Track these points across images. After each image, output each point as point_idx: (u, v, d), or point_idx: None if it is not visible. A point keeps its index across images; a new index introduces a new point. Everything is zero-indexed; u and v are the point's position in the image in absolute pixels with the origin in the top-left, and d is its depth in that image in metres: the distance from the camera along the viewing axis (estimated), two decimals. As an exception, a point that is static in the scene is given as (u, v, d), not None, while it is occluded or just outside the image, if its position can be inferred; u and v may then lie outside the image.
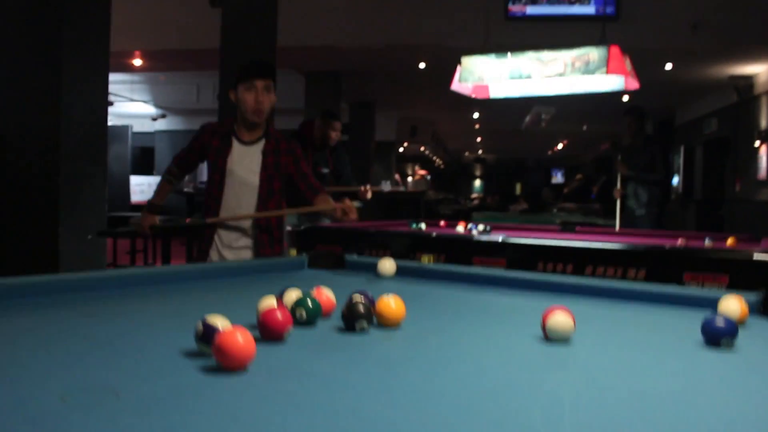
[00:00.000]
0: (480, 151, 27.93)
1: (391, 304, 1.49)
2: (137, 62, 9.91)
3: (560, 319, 1.38)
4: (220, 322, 1.20)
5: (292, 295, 1.55)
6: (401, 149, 19.61)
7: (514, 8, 7.82)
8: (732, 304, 1.59)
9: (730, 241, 4.32)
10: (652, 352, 1.38)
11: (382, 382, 1.10)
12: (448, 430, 0.88)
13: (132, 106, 14.63)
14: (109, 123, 15.40)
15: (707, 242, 4.20)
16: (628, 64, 4.75)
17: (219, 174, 3.04)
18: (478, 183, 29.91)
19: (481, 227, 4.98)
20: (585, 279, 2.26)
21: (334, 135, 5.27)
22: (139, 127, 15.97)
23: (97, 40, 4.43)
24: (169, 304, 1.87)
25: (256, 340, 1.15)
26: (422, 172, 22.18)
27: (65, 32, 4.15)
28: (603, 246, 3.72)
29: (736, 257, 3.31)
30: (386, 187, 6.30)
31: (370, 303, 1.51)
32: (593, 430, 0.90)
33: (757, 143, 9.48)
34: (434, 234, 4.40)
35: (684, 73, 9.65)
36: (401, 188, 12.16)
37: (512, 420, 0.93)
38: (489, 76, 5.06)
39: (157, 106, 14.84)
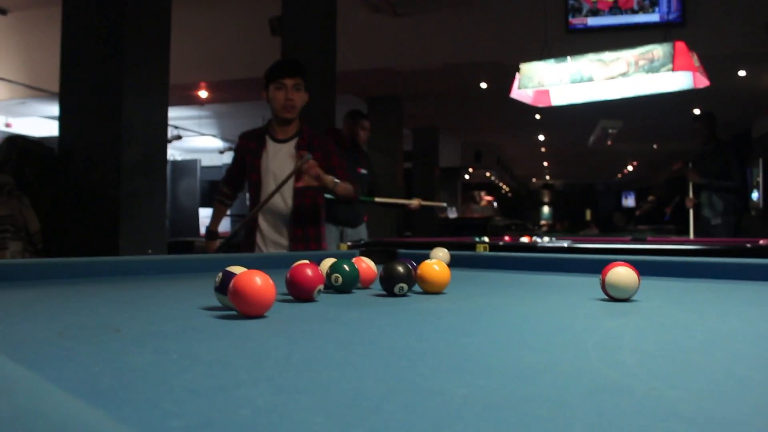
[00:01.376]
0: (547, 177, 27.46)
1: (434, 266, 1.37)
2: (203, 94, 10.14)
3: (621, 271, 1.23)
4: (240, 270, 1.10)
5: (329, 260, 1.45)
6: (467, 176, 19.44)
7: (575, 21, 7.67)
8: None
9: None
10: (729, 307, 1.22)
11: (420, 333, 0.98)
12: (486, 368, 0.75)
13: (200, 140, 15.00)
14: (179, 158, 15.83)
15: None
16: (695, 60, 4.52)
17: (256, 173, 3.06)
18: (546, 210, 29.32)
19: (546, 239, 4.79)
20: (655, 256, 2.05)
21: (364, 134, 4.91)
22: (207, 161, 16.35)
23: (157, 58, 4.51)
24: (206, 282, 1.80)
25: (284, 298, 1.05)
26: (488, 198, 21.90)
27: (126, 49, 4.23)
28: (676, 247, 3.48)
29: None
30: (452, 213, 6.12)
31: (412, 268, 1.39)
32: (654, 359, 0.76)
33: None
34: (500, 243, 4.23)
35: (759, 80, 9.22)
36: (444, 205, 11.88)
37: (564, 352, 0.80)
38: (549, 81, 4.90)
39: (224, 139, 15.16)
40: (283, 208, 3.04)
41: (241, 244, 3.20)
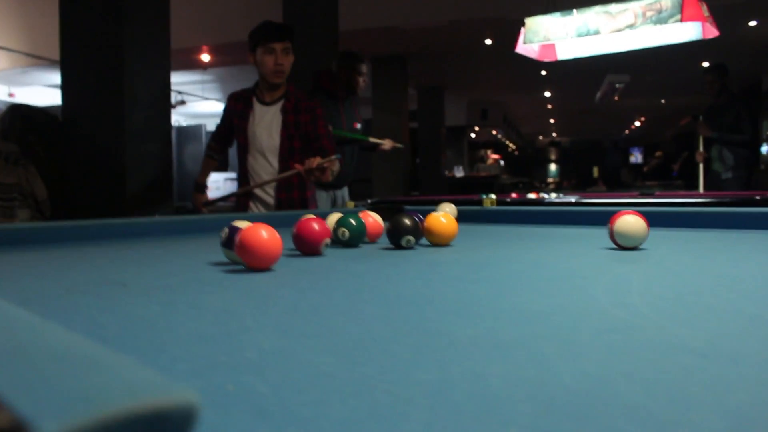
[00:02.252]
0: (554, 135, 27.26)
1: (441, 219, 1.36)
2: (205, 57, 10.04)
3: (630, 219, 1.22)
4: (245, 225, 1.10)
5: (336, 215, 1.44)
6: (473, 134, 19.32)
7: (582, -27, 7.52)
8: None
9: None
10: (739, 254, 1.21)
11: (428, 281, 0.97)
12: (494, 311, 0.75)
13: (204, 105, 14.92)
14: (183, 123, 15.74)
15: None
16: (705, 9, 4.43)
17: (243, 136, 3.05)
18: (553, 167, 29.17)
19: (554, 195, 4.77)
20: (663, 207, 2.04)
21: (362, 81, 4.41)
22: (212, 126, 16.26)
23: (157, 22, 4.46)
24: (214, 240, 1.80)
25: (291, 253, 1.05)
26: (495, 156, 21.78)
27: (126, 14, 4.19)
28: (686, 200, 3.46)
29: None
30: (459, 172, 6.03)
31: (419, 221, 1.38)
32: (663, 301, 0.75)
33: None
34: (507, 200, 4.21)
35: (769, 31, 9.07)
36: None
37: (572, 296, 0.80)
38: (555, 35, 4.83)
39: (228, 103, 15.08)
40: (270, 173, 3.04)
41: (234, 207, 3.22)
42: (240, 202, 3.12)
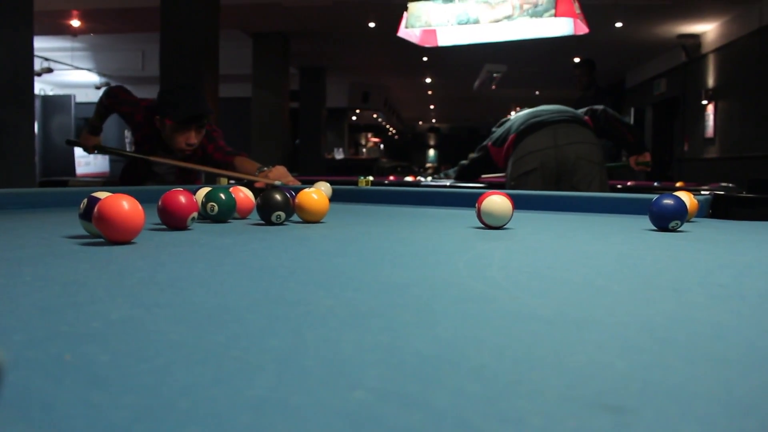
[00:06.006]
0: (434, 120, 27.79)
1: (312, 195, 1.35)
2: (75, 23, 9.46)
3: (496, 199, 1.26)
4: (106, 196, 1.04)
5: (205, 189, 1.40)
6: (354, 117, 19.35)
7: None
8: (682, 195, 1.49)
9: (679, 184, 4.32)
10: (596, 234, 1.28)
11: (294, 255, 0.96)
12: (356, 283, 0.75)
13: (74, 74, 14.08)
14: (51, 92, 14.80)
15: (656, 184, 4.20)
16: (577, 7, 4.65)
17: (148, 145, 2.82)
18: (432, 152, 29.74)
19: (430, 178, 4.87)
20: (531, 191, 2.12)
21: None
22: (82, 96, 15.39)
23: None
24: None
25: (157, 227, 1.00)
26: (375, 140, 21.95)
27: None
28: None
29: (684, 189, 3.26)
30: (339, 154, 6.03)
31: (291, 197, 1.37)
32: (520, 274, 0.78)
33: (704, 102, 9.54)
34: (385, 182, 4.26)
35: (634, 32, 9.62)
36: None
37: (434, 269, 0.81)
38: (436, 21, 4.91)
39: (100, 73, 14.32)
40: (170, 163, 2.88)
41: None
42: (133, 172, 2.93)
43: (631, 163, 3.70)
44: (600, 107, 3.54)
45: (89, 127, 3.06)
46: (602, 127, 3.41)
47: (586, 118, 3.39)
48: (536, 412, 0.33)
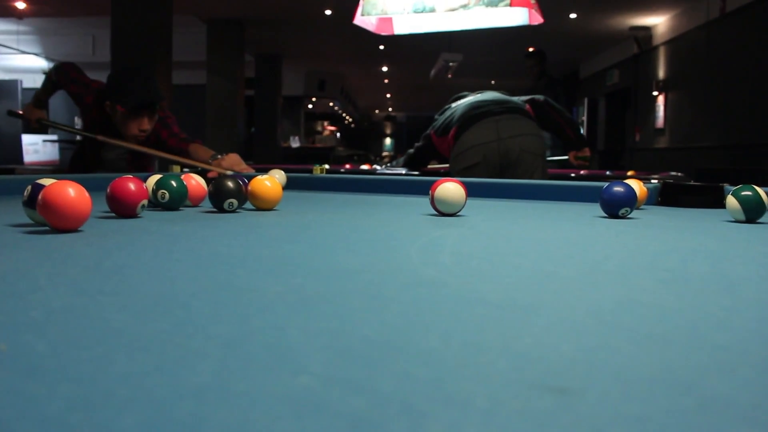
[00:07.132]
0: (390, 109, 27.81)
1: (265, 183, 1.34)
2: (20, 5, 9.16)
3: (449, 186, 1.26)
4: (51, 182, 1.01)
5: (156, 177, 1.37)
6: (310, 105, 19.23)
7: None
8: (632, 183, 1.52)
9: (630, 173, 4.40)
10: (548, 221, 1.29)
11: (244, 242, 0.95)
12: (306, 269, 0.74)
13: (20, 59, 13.68)
14: (-5, 77, 14.31)
15: (608, 173, 4.25)
16: (531, -4, 4.68)
17: (99, 129, 2.74)
18: (388, 141, 29.77)
19: (385, 167, 4.87)
20: (485, 179, 2.14)
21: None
22: (30, 82, 14.96)
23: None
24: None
25: (105, 215, 0.98)
26: (331, 128, 21.86)
27: None
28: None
29: (634, 178, 3.32)
30: (295, 143, 5.99)
31: (243, 184, 1.35)
32: (471, 260, 0.78)
33: (655, 93, 9.74)
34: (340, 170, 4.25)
35: (588, 23, 9.75)
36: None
37: (386, 255, 0.81)
38: (392, 9, 4.90)
39: (47, 58, 13.92)
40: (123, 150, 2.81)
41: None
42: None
43: (570, 158, 3.74)
44: (541, 97, 3.55)
45: (34, 100, 2.96)
46: (542, 118, 3.42)
47: (528, 107, 3.39)
48: (481, 394, 0.33)
